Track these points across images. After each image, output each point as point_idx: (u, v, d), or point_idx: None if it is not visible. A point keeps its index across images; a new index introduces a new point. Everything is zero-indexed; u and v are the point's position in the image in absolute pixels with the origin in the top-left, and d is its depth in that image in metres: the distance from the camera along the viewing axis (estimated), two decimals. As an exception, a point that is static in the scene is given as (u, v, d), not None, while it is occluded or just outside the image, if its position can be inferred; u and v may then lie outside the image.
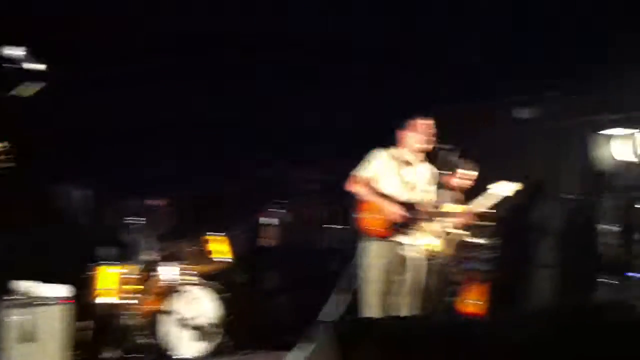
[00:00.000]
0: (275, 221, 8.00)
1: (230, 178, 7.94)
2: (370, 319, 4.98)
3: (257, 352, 6.09)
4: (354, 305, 5.51)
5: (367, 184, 5.32)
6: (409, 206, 5.27)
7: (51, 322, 5.42)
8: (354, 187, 5.33)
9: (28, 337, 5.21)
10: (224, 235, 6.71)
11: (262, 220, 7.91)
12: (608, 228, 6.60)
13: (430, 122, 5.38)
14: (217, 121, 7.57)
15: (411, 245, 5.30)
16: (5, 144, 3.70)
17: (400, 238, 5.24)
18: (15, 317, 5.19)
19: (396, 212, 5.18)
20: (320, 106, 7.59)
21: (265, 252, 7.71)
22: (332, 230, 8.05)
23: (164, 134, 7.61)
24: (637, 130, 6.81)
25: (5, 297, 5.30)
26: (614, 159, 6.87)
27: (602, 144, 6.94)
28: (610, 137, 6.92)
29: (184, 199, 7.29)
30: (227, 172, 7.91)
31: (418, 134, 5.36)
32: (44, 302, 5.45)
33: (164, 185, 7.24)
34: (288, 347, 6.09)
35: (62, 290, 5.65)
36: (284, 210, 8.07)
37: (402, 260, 5.25)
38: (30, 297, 5.42)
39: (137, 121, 7.42)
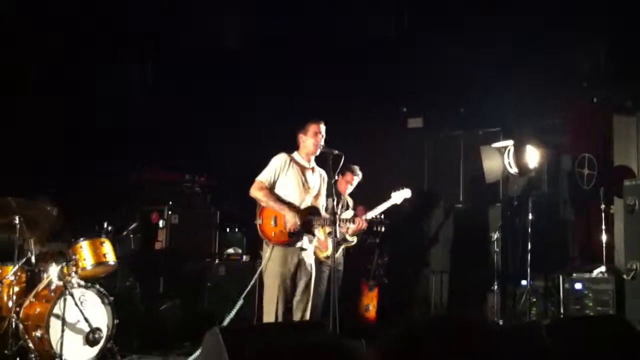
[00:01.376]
0: (161, 223, 7.79)
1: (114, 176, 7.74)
2: (254, 325, 4.97)
3: (143, 357, 5.89)
4: (254, 311, 5.46)
5: (268, 188, 5.29)
6: (308, 210, 5.29)
7: None
8: (256, 193, 5.29)
9: None
10: (109, 237, 6.46)
11: (153, 221, 7.68)
12: (498, 236, 6.92)
13: (321, 124, 5.43)
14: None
15: (309, 250, 5.33)
16: None
17: (300, 243, 5.25)
18: None
19: (292, 221, 5.17)
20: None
21: (155, 255, 7.49)
22: (223, 234, 7.94)
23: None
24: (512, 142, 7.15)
25: None
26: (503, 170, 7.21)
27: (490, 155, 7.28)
28: (498, 149, 7.27)
29: (68, 197, 6.98)
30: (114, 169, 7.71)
31: (311, 137, 5.39)
32: None
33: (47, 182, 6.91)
34: (174, 353, 5.98)
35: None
36: (169, 212, 7.86)
37: (301, 265, 5.26)
38: None
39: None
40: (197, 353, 4.68)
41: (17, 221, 5.93)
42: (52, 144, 7.44)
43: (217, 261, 7.66)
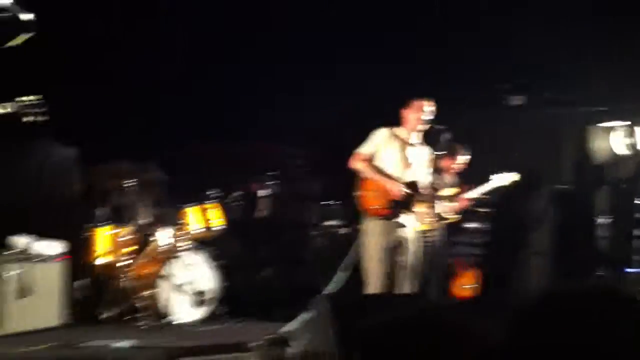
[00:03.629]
0: (267, 192, 8.01)
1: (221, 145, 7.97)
2: (366, 295, 5.07)
3: (250, 321, 6.11)
4: (355, 282, 5.56)
5: (369, 161, 5.36)
6: (408, 186, 5.33)
7: (48, 278, 5.44)
8: (356, 164, 5.36)
9: (25, 292, 5.21)
10: (219, 203, 6.71)
11: (256, 190, 7.91)
12: (604, 221, 6.71)
13: (431, 103, 5.42)
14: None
15: (410, 226, 5.37)
16: (39, 97, 3.67)
17: (400, 218, 5.30)
18: (13, 272, 5.19)
19: (396, 189, 5.22)
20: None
21: (259, 223, 7.72)
22: (325, 205, 8.07)
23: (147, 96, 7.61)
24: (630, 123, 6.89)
25: (3, 252, 5.28)
26: (610, 151, 6.95)
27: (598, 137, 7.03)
28: (606, 129, 7.01)
29: (178, 163, 7.27)
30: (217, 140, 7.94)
31: (419, 114, 5.39)
32: (41, 258, 5.45)
33: (157, 149, 7.20)
34: (279, 318, 6.15)
35: (58, 247, 5.64)
36: (276, 182, 8.06)
37: (402, 240, 5.32)
38: (27, 253, 5.41)
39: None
40: (301, 318, 4.82)
41: (130, 186, 6.29)
42: (162, 111, 7.74)
43: (315, 232, 7.81)
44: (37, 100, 3.68)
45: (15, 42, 3.39)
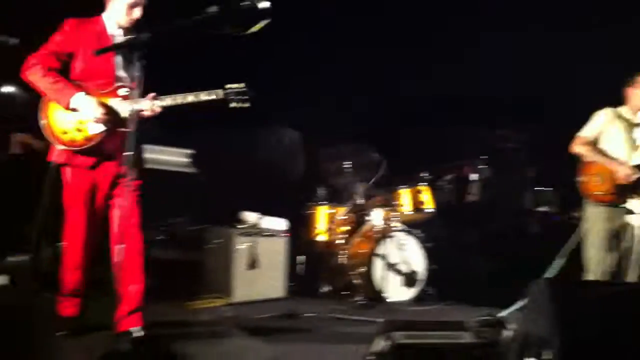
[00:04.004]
0: (476, 176, 7.93)
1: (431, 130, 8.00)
2: (586, 282, 4.87)
3: (459, 304, 6.12)
4: (575, 269, 5.37)
5: (592, 144, 5.12)
6: (636, 169, 5.01)
7: (273, 252, 5.86)
8: (578, 148, 5.13)
9: (253, 264, 5.67)
10: (430, 186, 6.77)
11: (467, 174, 7.87)
12: None
13: None
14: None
15: (637, 212, 5.06)
16: (242, 85, 3.94)
17: (627, 204, 5.01)
18: (244, 245, 5.66)
19: (624, 173, 4.94)
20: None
21: (468, 207, 7.69)
22: (538, 191, 7.83)
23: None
24: None
25: (235, 226, 5.78)
26: None
27: None
28: None
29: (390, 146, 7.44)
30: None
31: None
32: (268, 233, 5.89)
33: (374, 131, 7.40)
34: (488, 303, 6.09)
35: (282, 224, 6.05)
36: (485, 166, 7.96)
37: (628, 227, 5.03)
38: (256, 228, 5.87)
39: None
40: (519, 304, 4.76)
41: (347, 166, 6.55)
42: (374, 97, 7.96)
43: (529, 218, 7.61)
44: (242, 87, 3.92)
45: (255, 28, 3.62)
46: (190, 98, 3.89)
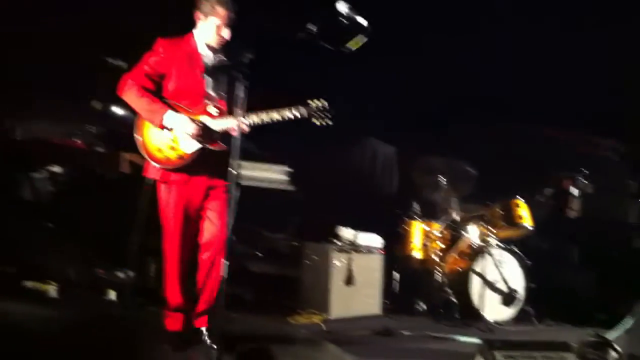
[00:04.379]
0: (576, 191, 7.68)
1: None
2: None
3: (561, 324, 5.96)
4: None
5: None
6: None
7: (369, 269, 5.89)
8: None
9: (350, 280, 5.72)
10: (525, 200, 6.61)
11: (565, 188, 7.63)
12: None
13: None
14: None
15: None
16: (324, 101, 4.00)
17: None
18: (341, 261, 5.72)
19: None
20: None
21: (568, 223, 7.46)
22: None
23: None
24: None
25: (332, 242, 5.84)
26: None
27: None
28: None
29: (485, 161, 7.33)
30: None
31: None
32: (364, 249, 5.92)
33: (468, 147, 7.32)
34: (593, 324, 5.89)
35: (378, 240, 6.07)
36: (585, 180, 7.70)
37: None
38: (352, 244, 5.91)
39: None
40: (625, 324, 4.59)
41: (441, 181, 6.49)
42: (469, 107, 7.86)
43: (634, 233, 7.30)
44: (324, 104, 3.98)
45: (353, 45, 3.69)
46: (275, 115, 4.01)
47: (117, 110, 6.13)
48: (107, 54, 5.83)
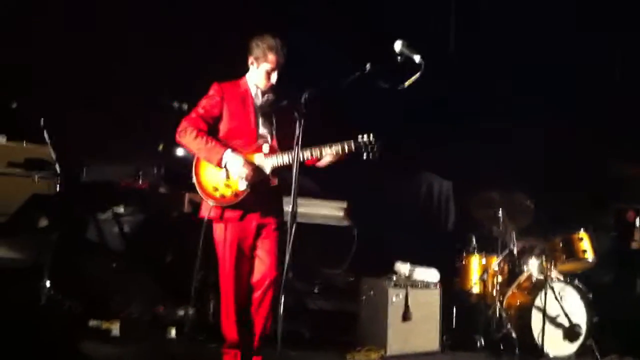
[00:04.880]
0: (638, 222, 7.50)
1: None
2: None
3: (625, 359, 5.81)
4: None
5: None
6: None
7: (427, 303, 5.86)
8: None
9: (407, 316, 5.71)
10: (586, 232, 6.49)
11: (629, 219, 7.46)
12: None
13: None
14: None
15: None
16: (372, 136, 4.08)
17: None
18: (398, 296, 5.72)
19: None
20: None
21: (632, 254, 7.28)
22: None
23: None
24: None
25: (389, 277, 5.86)
26: None
27: None
28: None
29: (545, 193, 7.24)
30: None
31: None
32: (421, 284, 5.92)
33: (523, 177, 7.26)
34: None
35: (435, 275, 6.06)
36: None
37: None
38: (409, 279, 5.92)
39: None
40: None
41: (500, 214, 6.44)
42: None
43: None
44: (372, 138, 4.10)
45: (409, 82, 3.77)
46: (326, 150, 4.17)
47: (180, 151, 6.35)
48: (171, 97, 6.07)
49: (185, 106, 5.70)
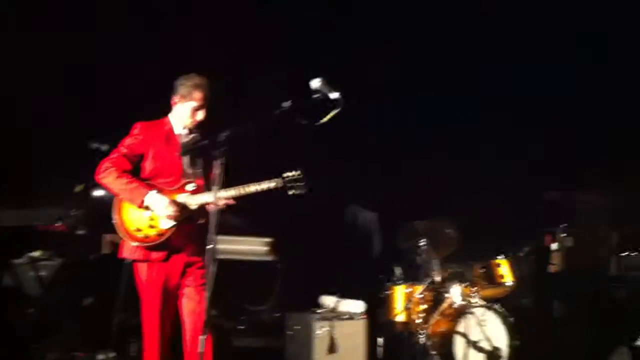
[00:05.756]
0: (555, 245, 7.79)
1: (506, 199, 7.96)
2: None
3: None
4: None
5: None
6: None
7: (352, 335, 5.91)
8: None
9: (333, 348, 5.74)
10: (506, 258, 6.69)
11: (547, 243, 7.73)
12: None
13: None
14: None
15: None
16: (299, 172, 4.14)
17: None
18: (323, 329, 5.75)
19: None
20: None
21: (550, 277, 7.54)
22: (625, 257, 7.60)
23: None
24: None
25: (314, 310, 5.89)
26: None
27: None
28: None
29: (465, 221, 7.43)
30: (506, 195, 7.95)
31: None
32: (346, 316, 5.96)
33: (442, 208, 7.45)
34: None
35: (360, 306, 6.12)
36: (564, 234, 7.81)
37: None
38: (334, 311, 5.96)
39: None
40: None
41: (422, 244, 6.57)
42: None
43: (616, 284, 7.37)
44: (299, 174, 4.16)
45: (327, 118, 3.83)
46: (252, 188, 4.18)
47: (99, 192, 6.27)
48: (88, 138, 6.00)
49: (105, 147, 5.65)
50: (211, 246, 3.72)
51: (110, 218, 4.32)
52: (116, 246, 4.84)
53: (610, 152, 7.77)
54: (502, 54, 7.61)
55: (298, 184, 4.14)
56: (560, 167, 7.98)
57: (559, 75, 7.57)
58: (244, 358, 5.91)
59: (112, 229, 4.36)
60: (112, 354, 5.09)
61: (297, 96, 3.86)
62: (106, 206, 4.48)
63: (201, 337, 3.69)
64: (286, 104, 3.84)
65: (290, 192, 4.16)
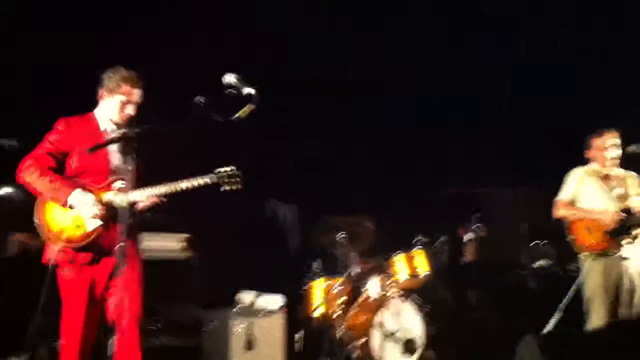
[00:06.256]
0: (470, 235, 8.02)
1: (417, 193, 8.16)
2: (569, 331, 4.98)
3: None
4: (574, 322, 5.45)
5: (571, 204, 5.36)
6: (620, 212, 5.18)
7: (270, 330, 5.91)
8: (559, 213, 5.39)
9: (251, 345, 5.73)
10: (422, 249, 6.84)
11: (462, 234, 7.96)
12: None
13: (613, 134, 5.35)
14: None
15: (633, 258, 5.17)
16: (232, 167, 4.10)
17: (620, 252, 5.13)
18: (240, 325, 5.73)
19: (608, 216, 5.11)
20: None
21: (464, 267, 7.77)
22: (533, 246, 7.92)
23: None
24: None
25: (232, 307, 5.86)
26: None
27: None
28: None
29: (383, 214, 7.55)
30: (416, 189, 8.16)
31: (605, 149, 5.36)
32: (264, 312, 5.96)
33: (362, 201, 7.55)
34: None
35: (279, 301, 6.13)
36: (478, 225, 8.06)
37: (624, 275, 5.14)
38: (252, 307, 5.95)
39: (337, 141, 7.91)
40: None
41: (341, 237, 6.64)
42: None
43: (526, 273, 7.67)
44: (232, 170, 4.11)
45: (241, 113, 3.80)
46: (184, 185, 4.06)
47: (8, 190, 6.02)
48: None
49: (15, 143, 5.44)
50: (122, 245, 3.62)
51: (17, 218, 4.15)
52: (26, 247, 4.68)
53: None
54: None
55: (232, 179, 4.09)
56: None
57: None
58: (161, 357, 5.80)
59: (20, 228, 4.20)
60: (24, 357, 4.91)
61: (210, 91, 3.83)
62: (14, 204, 4.32)
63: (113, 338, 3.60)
64: (199, 99, 3.80)
65: (224, 188, 4.10)
